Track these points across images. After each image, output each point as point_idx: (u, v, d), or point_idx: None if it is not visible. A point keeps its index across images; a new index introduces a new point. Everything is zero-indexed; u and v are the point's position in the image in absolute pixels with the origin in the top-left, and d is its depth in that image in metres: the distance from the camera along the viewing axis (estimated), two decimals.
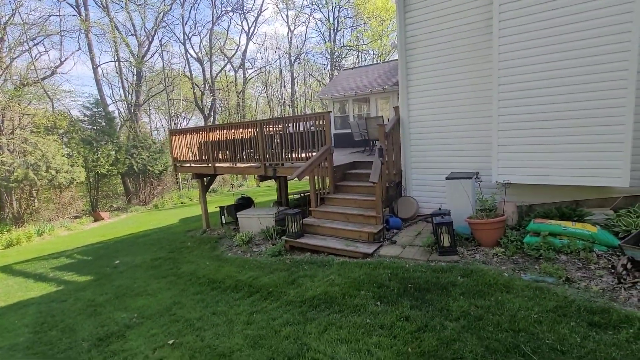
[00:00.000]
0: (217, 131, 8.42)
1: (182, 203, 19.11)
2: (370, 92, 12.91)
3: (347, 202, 6.26)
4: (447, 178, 5.25)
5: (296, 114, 32.25)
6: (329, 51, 27.62)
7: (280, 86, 34.61)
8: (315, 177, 6.29)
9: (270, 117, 31.92)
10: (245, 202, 10.04)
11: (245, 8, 27.20)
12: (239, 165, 8.42)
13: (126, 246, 9.11)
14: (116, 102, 24.12)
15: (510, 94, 4.89)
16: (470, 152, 5.85)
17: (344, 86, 14.32)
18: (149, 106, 31.72)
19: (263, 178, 10.60)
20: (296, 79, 34.62)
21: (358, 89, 13.20)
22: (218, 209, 9.95)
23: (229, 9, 26.72)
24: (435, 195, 6.30)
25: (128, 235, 10.86)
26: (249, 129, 7.73)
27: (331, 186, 6.65)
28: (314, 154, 6.56)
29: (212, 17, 26.58)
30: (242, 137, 7.87)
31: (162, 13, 23.38)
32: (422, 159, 6.38)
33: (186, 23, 25.79)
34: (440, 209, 4.93)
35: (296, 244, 5.71)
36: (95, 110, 16.96)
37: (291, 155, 6.99)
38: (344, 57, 31.04)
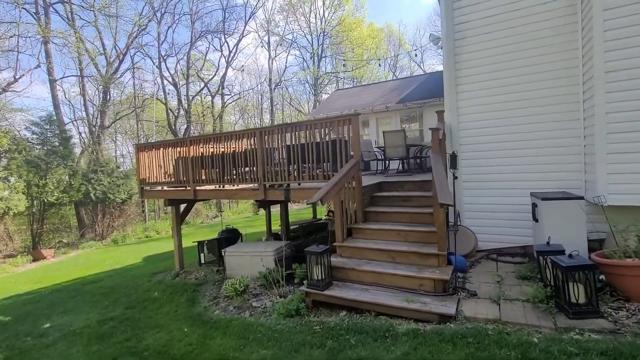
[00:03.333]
0: (201, 144, 6.60)
1: (147, 237, 16.43)
2: (371, 111, 11.74)
3: (384, 233, 4.57)
4: (543, 199, 3.75)
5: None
6: (313, 77, 26.95)
7: (261, 112, 33.32)
8: (342, 201, 4.60)
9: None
10: (232, 235, 8.05)
11: (226, 31, 26.23)
12: (228, 187, 6.57)
13: (67, 298, 6.71)
14: (75, 120, 21.46)
15: (623, 83, 3.61)
16: (552, 165, 4.47)
17: (339, 105, 13.11)
18: (115, 131, 29.11)
19: (262, 204, 8.70)
20: (276, 106, 33.58)
21: (356, 107, 12.00)
22: (194, 244, 7.87)
23: (210, 30, 25.58)
24: (498, 224, 4.80)
25: (73, 281, 8.35)
26: (244, 140, 6.00)
27: (360, 213, 4.98)
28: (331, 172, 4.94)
29: (191, 38, 25.29)
30: (234, 150, 6.11)
31: (137, 30, 21.74)
32: (478, 177, 4.92)
33: (162, 43, 24.27)
34: (548, 243, 3.37)
35: (324, 297, 3.87)
36: (47, 127, 14.49)
37: (298, 173, 5.30)
38: (327, 84, 30.58)
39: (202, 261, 7.55)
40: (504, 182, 4.72)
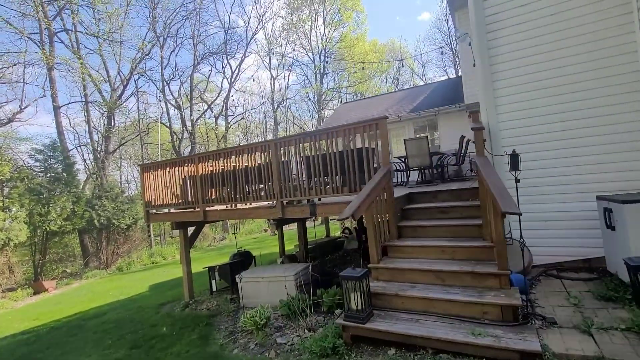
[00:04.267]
0: (210, 161, 6.11)
1: (153, 263, 15.76)
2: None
3: (426, 251, 3.96)
4: (624, 202, 3.16)
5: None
6: (316, 93, 26.86)
7: (264, 131, 33.18)
8: (375, 215, 4.02)
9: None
10: (244, 259, 7.44)
11: (227, 52, 26.43)
12: (241, 206, 6.04)
13: (66, 337, 6.07)
14: (80, 146, 21.29)
15: None
16: (614, 164, 3.89)
17: (349, 118, 12.72)
18: (120, 156, 29.00)
19: (280, 222, 8.09)
20: (279, 125, 33.45)
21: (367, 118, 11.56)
22: (204, 270, 7.27)
23: (212, 52, 25.76)
24: (553, 235, 4.18)
25: (74, 316, 7.70)
26: (257, 154, 5.51)
27: (394, 229, 4.39)
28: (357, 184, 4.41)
29: (193, 61, 25.47)
30: (246, 166, 5.61)
31: (140, 55, 21.89)
32: (526, 182, 4.31)
33: (165, 67, 24.43)
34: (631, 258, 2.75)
35: (367, 332, 3.23)
36: (51, 154, 14.18)
37: (320, 187, 4.76)
38: (329, 100, 30.50)
39: (214, 289, 6.92)
40: (559, 187, 4.14)
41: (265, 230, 24.76)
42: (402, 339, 3.06)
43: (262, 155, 5.40)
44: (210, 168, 6.14)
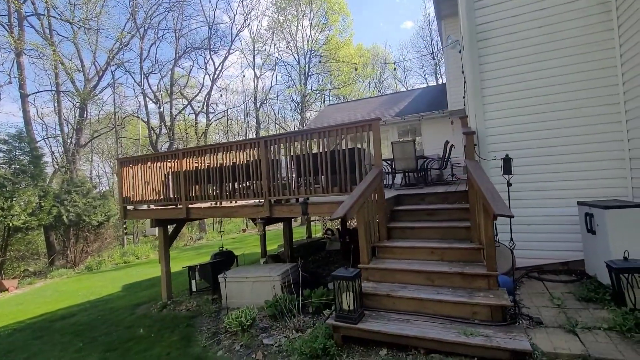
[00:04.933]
0: (195, 157, 5.92)
1: (126, 263, 15.08)
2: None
3: (416, 252, 4.00)
4: (605, 207, 3.31)
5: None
6: (300, 94, 26.80)
7: (246, 130, 32.70)
8: (366, 216, 4.01)
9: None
10: (226, 259, 7.25)
11: (211, 48, 25.89)
12: (226, 204, 5.87)
13: (31, 340, 5.66)
14: (48, 138, 20.09)
15: None
16: (593, 172, 4.09)
17: (334, 119, 12.76)
18: (92, 150, 27.65)
19: (268, 221, 7.91)
20: (262, 125, 33.09)
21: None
22: (181, 270, 7.03)
23: (195, 46, 25.13)
24: (533, 238, 4.35)
25: (39, 317, 7.21)
26: (246, 151, 5.39)
27: (384, 230, 4.40)
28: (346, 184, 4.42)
29: (175, 54, 24.75)
30: (234, 163, 5.48)
31: (118, 46, 21.00)
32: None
33: (145, 59, 23.56)
34: (626, 258, 2.89)
35: (358, 332, 3.20)
36: (16, 145, 13.27)
37: (308, 186, 4.72)
38: (313, 101, 30.52)
39: (194, 289, 6.69)
40: (540, 192, 4.30)
41: (244, 231, 24.32)
42: (394, 340, 3.06)
43: (252, 153, 5.28)
44: (195, 164, 5.95)
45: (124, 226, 16.72)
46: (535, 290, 3.76)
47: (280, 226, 21.63)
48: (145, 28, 22.99)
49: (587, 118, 4.09)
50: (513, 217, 2.79)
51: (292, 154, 4.98)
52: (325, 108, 16.35)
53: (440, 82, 27.62)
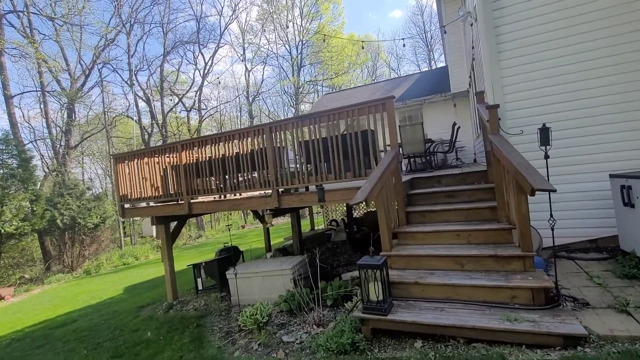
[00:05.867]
0: (195, 148, 5.59)
1: (125, 264, 14.74)
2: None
3: (440, 236, 3.77)
4: None
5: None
6: (294, 86, 26.32)
7: (240, 125, 32.17)
8: (385, 201, 3.76)
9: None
10: (232, 255, 6.97)
11: (200, 42, 25.22)
12: (230, 197, 5.59)
13: (31, 349, 5.36)
14: (36, 140, 19.47)
15: None
16: (625, 142, 3.86)
17: (333, 107, 12.42)
18: (82, 152, 26.97)
19: (258, 215, 7.68)
20: (255, 119, 32.59)
21: None
22: (186, 268, 6.75)
23: (184, 41, 24.46)
24: (558, 216, 4.10)
25: (39, 325, 6.90)
26: (250, 140, 5.08)
27: (402, 214, 4.16)
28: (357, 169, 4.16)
29: (164, 50, 24.06)
30: (237, 153, 5.17)
31: (104, 43, 20.29)
32: (532, 163, 4.22)
33: (132, 56, 22.87)
34: None
35: (389, 324, 2.97)
36: (3, 148, 12.75)
37: (316, 172, 4.44)
38: (306, 93, 30.06)
39: (200, 287, 6.42)
40: (567, 167, 4.08)
41: (243, 227, 24.02)
42: (429, 330, 2.83)
43: (256, 141, 4.98)
44: (196, 156, 5.63)
45: (123, 226, 16.32)
46: (569, 270, 3.56)
47: (279, 220, 21.41)
48: (132, 23, 22.28)
49: (620, 85, 3.84)
50: (555, 190, 2.55)
51: (299, 139, 4.69)
52: (321, 97, 16.00)
53: (434, 68, 27.33)
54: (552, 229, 2.96)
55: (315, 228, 11.82)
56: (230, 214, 31.50)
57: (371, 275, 3.02)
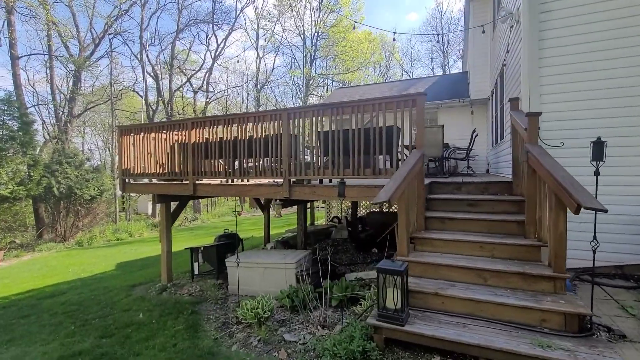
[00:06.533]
0: (207, 127, 5.33)
1: (118, 240, 14.52)
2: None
3: (461, 246, 3.55)
4: None
5: None
6: (305, 77, 25.93)
7: (245, 111, 31.76)
8: (406, 203, 3.52)
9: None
10: (231, 242, 6.75)
11: (215, 22, 24.74)
12: (238, 182, 5.35)
13: (17, 319, 5.14)
14: (39, 104, 19.08)
15: None
16: None
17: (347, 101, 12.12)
18: (84, 123, 26.56)
19: (260, 205, 7.45)
20: (262, 106, 32.19)
21: None
22: (181, 250, 6.53)
23: (198, 19, 23.97)
24: (582, 237, 3.89)
25: (27, 294, 6.68)
26: (264, 124, 4.82)
27: (421, 219, 3.93)
28: (383, 166, 3.93)
29: (177, 27, 23.57)
30: (250, 136, 4.91)
31: (117, 12, 19.82)
32: None
33: (145, 30, 22.40)
34: None
35: (405, 335, 2.75)
36: (4, 109, 12.41)
37: (336, 167, 4.20)
38: (316, 86, 29.67)
39: (196, 272, 6.20)
40: (601, 187, 3.84)
41: (239, 214, 23.78)
42: (449, 347, 2.61)
43: (272, 126, 4.72)
44: (206, 137, 5.37)
45: (122, 200, 16.06)
46: (595, 296, 3.35)
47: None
48: None
49: None
50: (606, 211, 2.33)
51: (318, 129, 4.44)
52: (333, 91, 15.69)
53: (448, 73, 26.95)
54: (594, 252, 2.74)
55: (315, 223, 11.60)
56: (227, 199, 31.28)
57: (390, 281, 2.79)
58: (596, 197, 2.66)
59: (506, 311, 2.77)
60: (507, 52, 5.29)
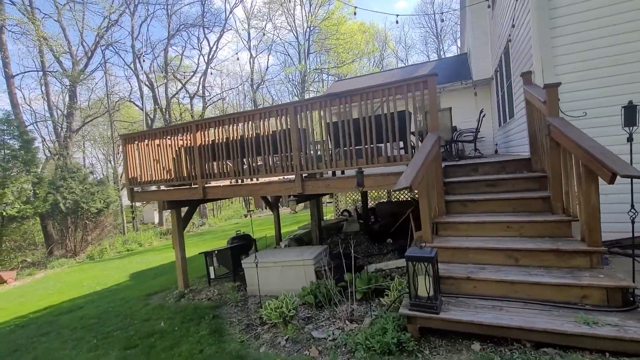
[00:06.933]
0: (212, 129, 5.23)
1: (128, 251, 14.51)
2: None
3: (485, 227, 3.45)
4: None
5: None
6: (301, 73, 25.73)
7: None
8: (427, 188, 3.42)
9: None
10: (245, 243, 6.68)
11: (205, 25, 24.54)
12: (248, 182, 5.26)
13: (36, 337, 5.09)
14: (37, 122, 19.05)
15: None
16: None
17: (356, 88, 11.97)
18: (83, 137, 26.53)
19: (268, 202, 7.36)
20: (259, 107, 31.99)
21: None
22: (194, 256, 6.45)
23: (188, 23, 23.79)
24: (614, 209, 3.78)
25: (44, 311, 6.64)
26: (272, 119, 4.72)
27: (442, 203, 3.83)
28: (395, 152, 3.82)
29: (168, 32, 23.41)
30: (257, 134, 4.81)
31: (107, 24, 19.68)
32: None
33: (136, 38, 22.26)
34: None
35: (441, 323, 2.66)
36: (4, 129, 12.36)
37: (348, 158, 4.10)
38: (312, 82, 29.46)
39: (212, 276, 6.14)
40: (626, 156, 3.71)
41: (246, 216, 23.74)
42: (488, 331, 2.52)
43: (279, 121, 4.61)
44: (212, 138, 5.27)
45: (131, 210, 16.03)
46: (627, 268, 3.24)
47: (286, 210, 21.12)
48: (136, 3, 21.58)
49: None
50: (615, 177, 2.23)
51: (327, 121, 4.33)
52: (332, 85, 15.53)
53: (444, 57, 26.63)
54: (633, 222, 2.63)
55: (324, 219, 11.53)
56: (231, 202, 31.25)
57: (421, 269, 2.70)
58: (631, 164, 2.54)
59: (543, 290, 2.67)
60: (513, 26, 5.14)
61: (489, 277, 2.86)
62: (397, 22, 6.81)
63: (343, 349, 2.99)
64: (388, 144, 3.94)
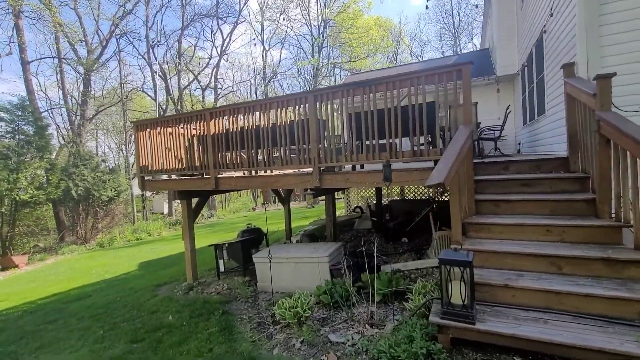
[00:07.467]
0: (226, 117, 5.01)
1: (138, 240, 14.53)
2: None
3: (523, 230, 3.15)
4: None
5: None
6: (314, 67, 25.38)
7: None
8: (458, 186, 3.14)
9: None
10: (256, 237, 6.49)
11: (219, 15, 24.34)
12: (262, 173, 5.05)
13: (44, 324, 5.00)
14: (52, 109, 19.20)
15: None
16: None
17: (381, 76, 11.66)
18: (97, 125, 26.75)
19: (279, 196, 7.15)
20: None
21: None
22: (203, 248, 6.29)
23: (202, 13, 23.62)
24: None
25: (52, 297, 6.58)
26: (289, 109, 4.48)
27: (472, 203, 3.54)
28: (421, 147, 3.55)
29: (182, 23, 23.29)
30: (273, 124, 4.58)
31: (122, 13, 19.64)
32: None
33: (151, 27, 22.20)
34: None
35: (475, 335, 2.40)
36: (19, 114, 12.39)
37: (371, 152, 3.84)
38: (324, 76, 29.08)
39: (222, 269, 5.97)
40: None
41: (254, 209, 23.67)
42: (531, 346, 2.26)
43: (297, 111, 4.37)
44: (226, 127, 5.06)
45: (142, 199, 16.05)
46: None
47: (294, 205, 20.94)
48: None
49: None
50: None
51: (349, 111, 4.07)
52: (347, 78, 15.21)
53: (459, 53, 25.93)
54: None
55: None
56: (239, 195, 31.23)
57: (456, 274, 2.44)
58: None
59: (594, 303, 2.39)
60: (551, 15, 4.77)
61: (530, 285, 2.58)
62: (427, 7, 6.47)
63: (364, 356, 2.76)
64: (415, 138, 3.67)
